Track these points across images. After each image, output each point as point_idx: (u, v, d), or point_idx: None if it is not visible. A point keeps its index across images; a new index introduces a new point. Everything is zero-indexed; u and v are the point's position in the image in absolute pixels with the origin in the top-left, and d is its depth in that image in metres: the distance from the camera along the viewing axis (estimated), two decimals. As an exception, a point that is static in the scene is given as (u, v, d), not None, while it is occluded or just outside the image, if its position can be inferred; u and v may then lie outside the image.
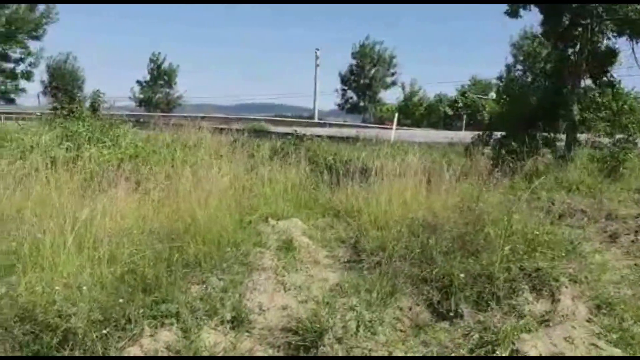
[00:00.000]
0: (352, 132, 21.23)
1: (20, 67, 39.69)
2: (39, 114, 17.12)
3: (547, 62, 15.79)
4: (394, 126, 26.18)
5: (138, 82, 57.53)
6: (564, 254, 6.74)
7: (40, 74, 47.64)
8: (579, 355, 5.20)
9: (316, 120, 49.11)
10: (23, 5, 37.77)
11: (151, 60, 57.77)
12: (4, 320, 4.81)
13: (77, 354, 4.73)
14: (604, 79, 14.61)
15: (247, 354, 5.21)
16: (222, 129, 15.06)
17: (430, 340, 5.56)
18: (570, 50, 14.54)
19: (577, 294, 6.20)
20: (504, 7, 14.81)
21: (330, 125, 39.58)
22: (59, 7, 39.20)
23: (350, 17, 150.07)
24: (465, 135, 16.99)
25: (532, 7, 14.54)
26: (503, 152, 13.26)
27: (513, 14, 14.68)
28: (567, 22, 14.27)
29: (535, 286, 6.18)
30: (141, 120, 19.32)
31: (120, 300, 5.18)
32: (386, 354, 5.33)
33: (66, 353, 4.72)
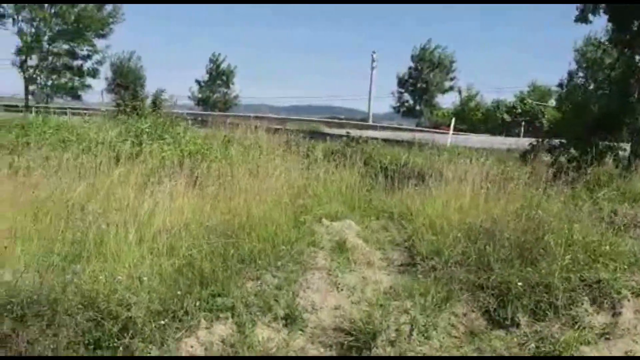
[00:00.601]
0: (407, 135, 21.08)
1: (87, 64, 40.94)
2: (103, 110, 17.72)
3: (612, 69, 15.27)
4: (451, 131, 25.91)
5: (197, 81, 59.04)
6: (626, 266, 6.50)
7: (105, 71, 49.21)
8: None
9: (370, 122, 48.96)
10: (91, 4, 38.95)
11: (211, 61, 59.16)
12: (69, 307, 4.99)
13: (136, 342, 4.89)
14: (672, 87, 14.04)
15: (299, 352, 5.26)
16: (277, 129, 15.21)
17: (485, 347, 5.48)
18: (637, 58, 14.05)
19: (639, 308, 5.99)
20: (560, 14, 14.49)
21: (384, 128, 39.41)
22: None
23: (410, 19, 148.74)
24: (525, 143, 16.58)
25: (602, 13, 14.14)
26: (563, 159, 12.90)
27: (583, 19, 14.31)
28: (635, 29, 13.80)
29: (596, 298, 6.02)
30: (199, 118, 19.78)
31: (178, 292, 5.32)
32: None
33: (126, 341, 4.88)
